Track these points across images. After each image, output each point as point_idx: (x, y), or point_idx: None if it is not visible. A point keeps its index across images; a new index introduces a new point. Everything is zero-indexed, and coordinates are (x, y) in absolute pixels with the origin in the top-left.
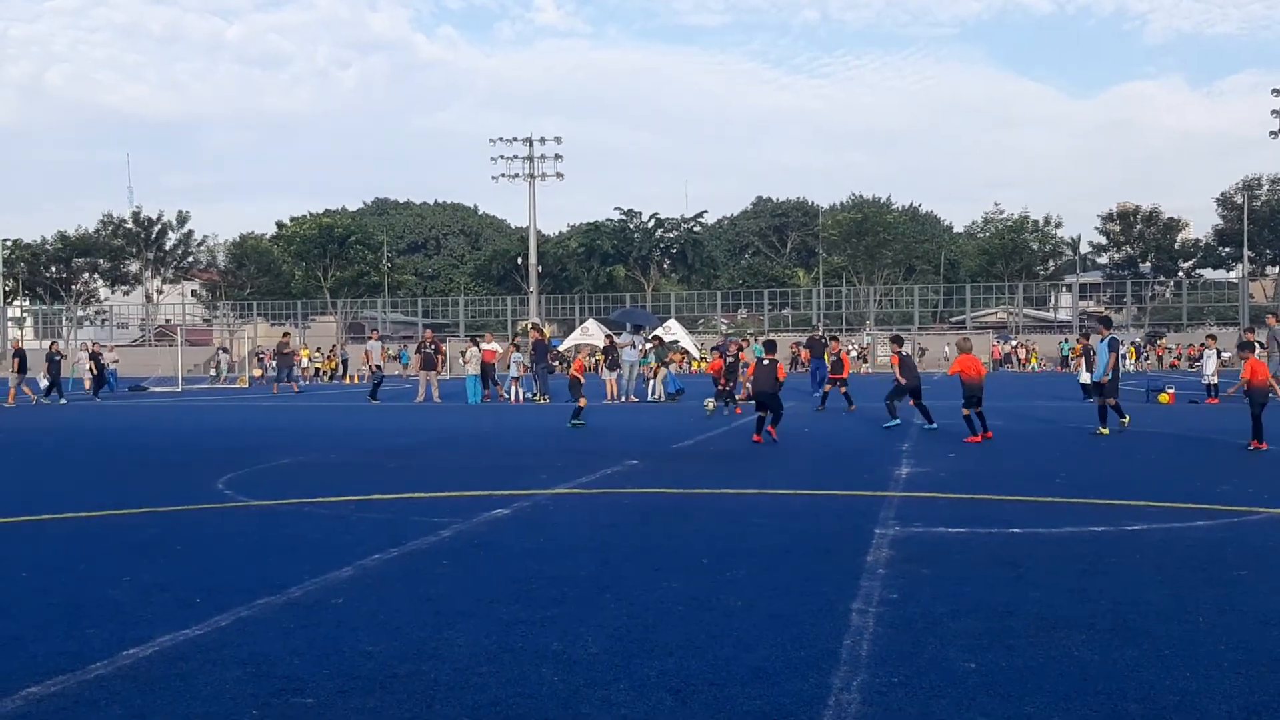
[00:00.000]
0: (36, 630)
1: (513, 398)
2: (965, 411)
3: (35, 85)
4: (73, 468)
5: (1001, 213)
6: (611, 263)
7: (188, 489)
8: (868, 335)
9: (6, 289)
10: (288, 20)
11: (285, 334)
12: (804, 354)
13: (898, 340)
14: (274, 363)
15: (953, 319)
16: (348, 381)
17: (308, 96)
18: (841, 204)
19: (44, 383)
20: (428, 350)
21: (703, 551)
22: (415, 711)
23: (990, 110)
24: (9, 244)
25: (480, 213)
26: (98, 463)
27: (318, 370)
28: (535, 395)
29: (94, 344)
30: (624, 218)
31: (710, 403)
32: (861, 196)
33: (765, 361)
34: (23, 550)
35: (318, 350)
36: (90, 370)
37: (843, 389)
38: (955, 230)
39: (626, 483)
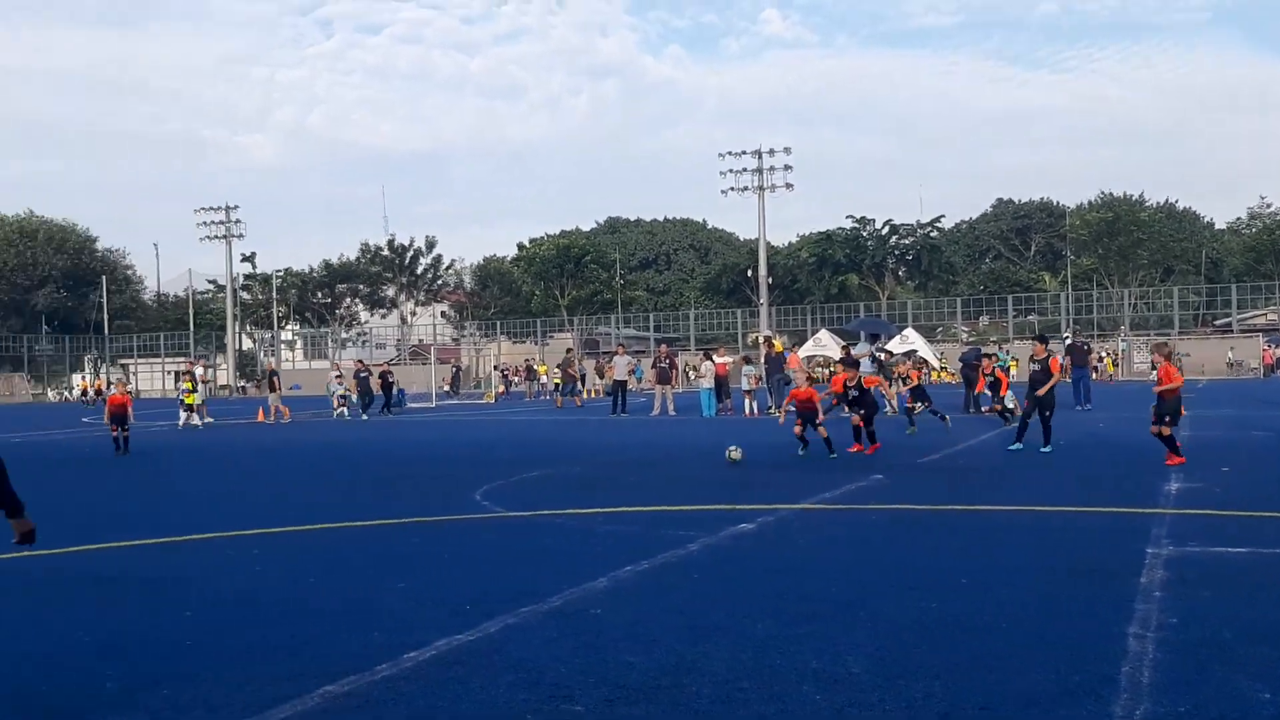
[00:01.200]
0: (327, 632)
1: (746, 411)
2: (1160, 430)
3: (299, 127)
4: (343, 480)
5: (1269, 206)
6: (844, 272)
7: (448, 500)
8: (1122, 341)
9: (280, 314)
10: (525, 51)
11: (569, 350)
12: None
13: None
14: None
15: (1216, 321)
16: (586, 395)
17: (543, 123)
18: (1090, 203)
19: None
20: (662, 365)
21: (959, 570)
22: None
23: (1251, 97)
24: (280, 274)
25: (709, 227)
26: (367, 475)
27: (557, 385)
28: (770, 408)
29: (385, 364)
30: (856, 225)
31: (735, 451)
32: (1111, 194)
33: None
34: (308, 557)
35: (557, 367)
36: (379, 388)
37: (998, 406)
38: (1217, 227)
39: (872, 498)
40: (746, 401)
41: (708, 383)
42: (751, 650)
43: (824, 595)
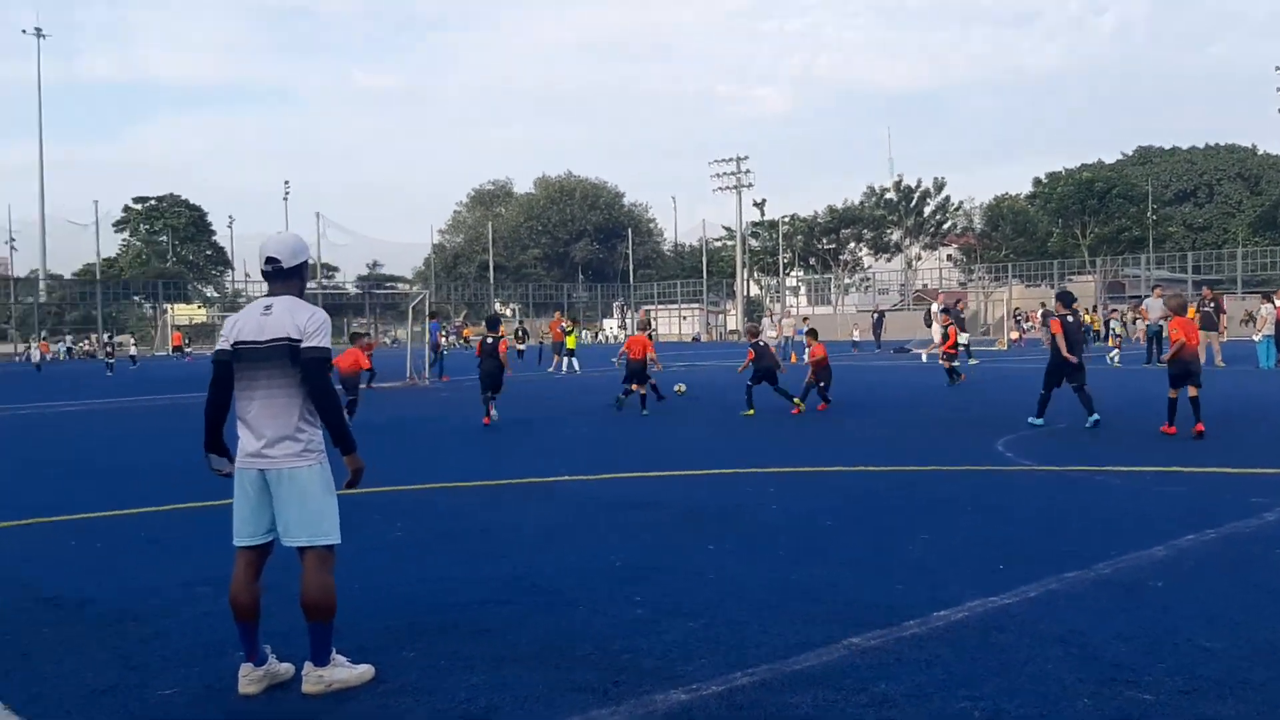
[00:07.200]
0: (849, 578)
1: None
2: None
3: (806, 74)
4: (851, 423)
5: None
6: None
7: (968, 449)
8: None
9: (785, 260)
10: None
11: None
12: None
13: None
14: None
15: None
16: (1111, 344)
17: (1060, 50)
18: None
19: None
20: (1206, 309)
21: None
22: None
23: None
24: (787, 220)
25: (1260, 153)
26: (875, 418)
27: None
28: None
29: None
30: None
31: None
32: None
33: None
34: (823, 498)
35: (1085, 311)
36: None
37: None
38: None
39: None
40: None
41: (1266, 329)
42: None
43: None
